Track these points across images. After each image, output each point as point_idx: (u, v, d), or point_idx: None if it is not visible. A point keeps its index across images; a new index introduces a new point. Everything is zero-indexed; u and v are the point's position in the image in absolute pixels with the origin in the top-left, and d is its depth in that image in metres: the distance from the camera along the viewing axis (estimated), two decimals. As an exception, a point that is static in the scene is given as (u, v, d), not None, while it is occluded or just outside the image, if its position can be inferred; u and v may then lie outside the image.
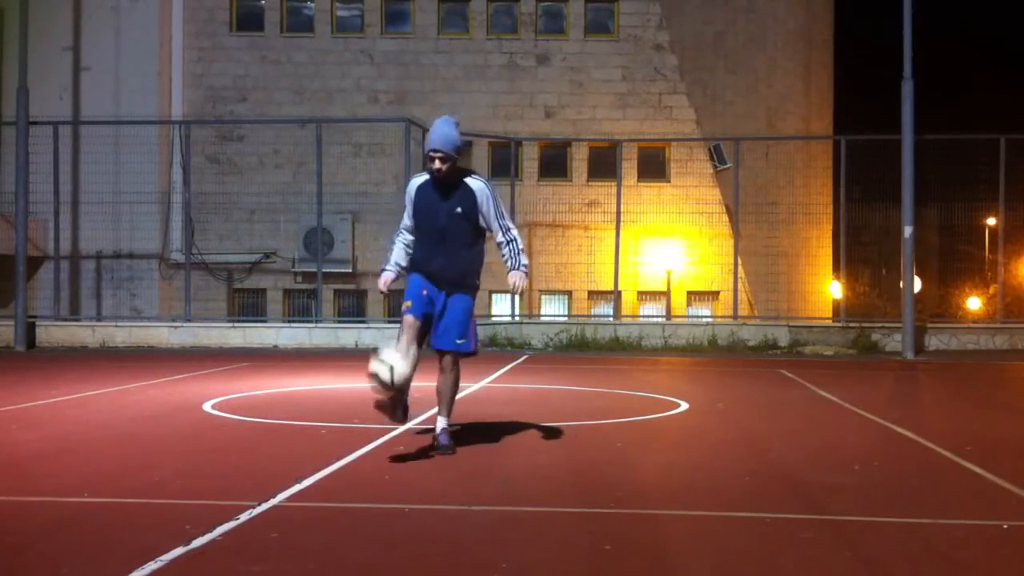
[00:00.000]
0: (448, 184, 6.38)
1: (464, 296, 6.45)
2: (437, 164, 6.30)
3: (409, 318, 6.30)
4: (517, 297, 20.22)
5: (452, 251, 6.41)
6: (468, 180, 6.44)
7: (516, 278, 6.45)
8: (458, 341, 6.38)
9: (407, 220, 6.57)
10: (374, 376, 5.97)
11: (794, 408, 9.45)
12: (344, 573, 3.93)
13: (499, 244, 6.54)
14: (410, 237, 6.57)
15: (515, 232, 6.55)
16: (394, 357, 6.03)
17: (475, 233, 6.49)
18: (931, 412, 9.75)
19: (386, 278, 6.55)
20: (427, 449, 6.48)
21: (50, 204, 19.24)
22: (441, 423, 6.51)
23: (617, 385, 11.25)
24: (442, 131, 6.30)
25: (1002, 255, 19.63)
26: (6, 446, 6.70)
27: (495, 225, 6.46)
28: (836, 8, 26.58)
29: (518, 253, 6.50)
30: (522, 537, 4.43)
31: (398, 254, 6.60)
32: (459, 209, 6.37)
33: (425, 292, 6.37)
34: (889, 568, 4.03)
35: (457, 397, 6.77)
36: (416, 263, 6.51)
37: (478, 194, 6.40)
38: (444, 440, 6.45)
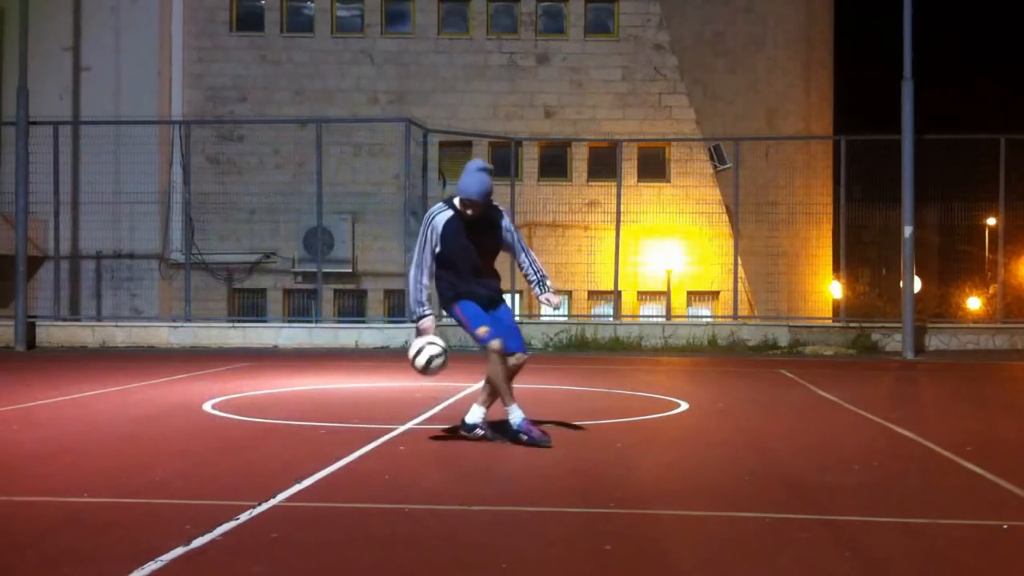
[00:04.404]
0: (478, 218, 6.64)
1: (506, 304, 6.95)
2: (470, 212, 6.59)
3: (496, 343, 6.60)
4: (517, 297, 20.24)
5: (488, 277, 6.80)
6: (499, 211, 6.79)
7: (555, 297, 6.90)
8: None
9: (427, 254, 6.65)
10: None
11: (794, 408, 9.44)
12: (344, 573, 3.93)
13: (520, 264, 6.94)
14: (432, 269, 6.70)
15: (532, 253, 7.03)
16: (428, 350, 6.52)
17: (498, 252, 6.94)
18: (931, 412, 9.74)
19: (431, 323, 6.73)
20: (426, 449, 6.48)
21: (50, 204, 19.23)
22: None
23: (617, 385, 11.25)
24: (479, 180, 6.53)
25: (1002, 255, 19.63)
26: (6, 446, 6.70)
27: (517, 248, 6.90)
28: (836, 8, 26.59)
29: (543, 273, 6.96)
30: (522, 537, 4.43)
31: (424, 294, 6.75)
32: (492, 240, 6.74)
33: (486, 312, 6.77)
34: (889, 568, 4.03)
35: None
36: (462, 293, 6.75)
37: (505, 225, 6.79)
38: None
